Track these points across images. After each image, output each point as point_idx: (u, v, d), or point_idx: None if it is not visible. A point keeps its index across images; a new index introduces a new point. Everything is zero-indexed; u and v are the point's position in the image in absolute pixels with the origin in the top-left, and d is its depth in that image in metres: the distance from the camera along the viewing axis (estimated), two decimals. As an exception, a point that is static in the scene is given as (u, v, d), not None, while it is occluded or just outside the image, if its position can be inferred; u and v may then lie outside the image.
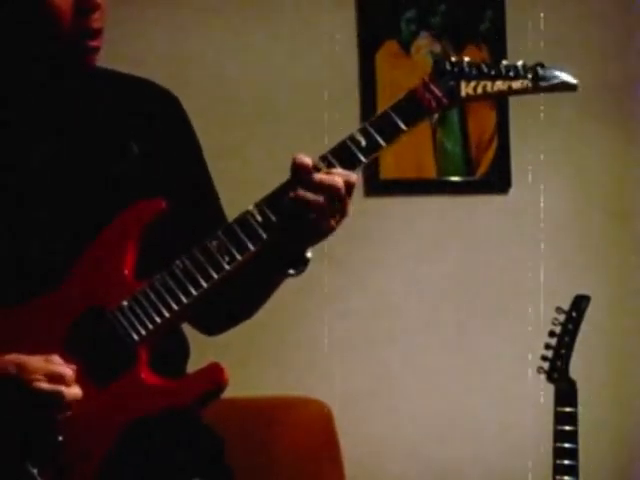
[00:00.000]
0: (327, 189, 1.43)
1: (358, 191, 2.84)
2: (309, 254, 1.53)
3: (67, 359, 1.41)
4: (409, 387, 2.86)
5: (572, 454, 2.29)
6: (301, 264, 1.53)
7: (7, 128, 1.53)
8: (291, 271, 1.53)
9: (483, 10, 2.88)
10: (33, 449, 1.39)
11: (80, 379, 1.40)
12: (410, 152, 2.87)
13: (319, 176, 1.44)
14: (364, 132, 1.48)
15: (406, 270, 2.87)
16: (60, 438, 1.40)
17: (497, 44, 2.88)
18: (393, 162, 2.86)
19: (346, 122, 2.84)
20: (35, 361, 1.38)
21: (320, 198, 1.43)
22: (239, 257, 1.44)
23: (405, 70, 2.86)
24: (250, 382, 2.74)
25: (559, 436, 2.29)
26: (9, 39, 1.52)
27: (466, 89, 1.50)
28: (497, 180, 2.91)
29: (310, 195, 1.44)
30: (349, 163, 1.47)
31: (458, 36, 2.87)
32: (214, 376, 1.42)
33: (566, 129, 2.94)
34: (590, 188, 2.95)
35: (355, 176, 1.47)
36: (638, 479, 2.92)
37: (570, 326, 2.35)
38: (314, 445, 2.55)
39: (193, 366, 1.66)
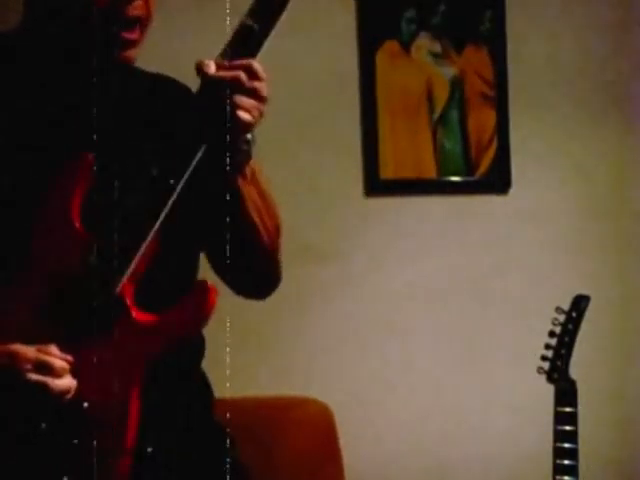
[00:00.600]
0: (229, 82, 1.44)
1: (358, 191, 2.89)
2: (248, 135, 1.52)
3: (56, 328, 1.42)
4: (409, 387, 2.86)
5: (572, 454, 2.29)
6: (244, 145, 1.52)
7: (30, 126, 1.53)
8: (243, 147, 1.52)
9: (483, 10, 2.88)
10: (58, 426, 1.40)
11: (79, 342, 1.42)
12: (410, 152, 2.87)
13: (217, 73, 1.44)
14: (252, 16, 1.47)
15: (406, 270, 2.87)
16: (85, 404, 1.42)
17: (497, 44, 2.89)
18: (393, 162, 2.86)
19: (346, 122, 2.84)
20: (27, 351, 1.39)
21: (226, 92, 1.44)
22: (182, 174, 1.45)
23: (405, 70, 2.87)
24: (250, 382, 2.74)
25: (559, 436, 2.29)
26: (44, 27, 1.53)
27: None
28: (497, 180, 2.91)
29: (216, 92, 1.44)
30: (249, 50, 1.47)
31: (458, 36, 2.88)
32: (203, 298, 1.43)
33: (566, 129, 2.94)
34: (590, 188, 2.95)
35: (255, 62, 1.46)
36: (638, 479, 2.92)
37: (570, 326, 2.35)
38: (314, 445, 2.55)
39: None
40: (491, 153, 2.89)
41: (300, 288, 2.81)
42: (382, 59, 2.85)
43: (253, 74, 1.45)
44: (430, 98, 2.88)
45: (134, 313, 1.44)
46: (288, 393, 2.67)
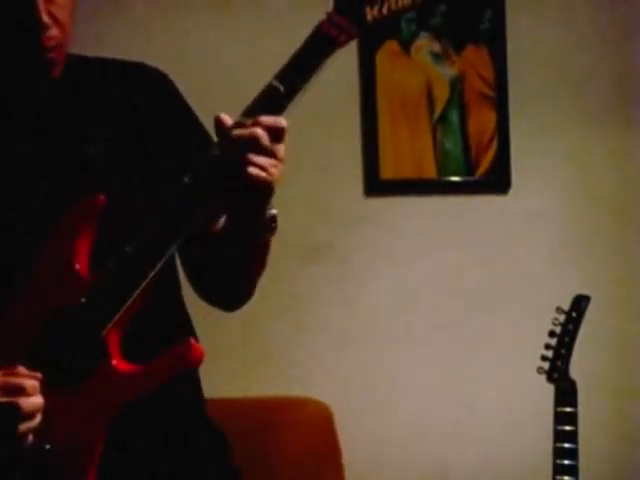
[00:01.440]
0: (247, 141, 1.41)
1: (358, 191, 2.89)
2: (273, 211, 1.52)
3: (35, 367, 1.40)
4: (409, 387, 2.86)
5: (572, 454, 2.29)
6: (268, 223, 1.53)
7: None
8: (264, 234, 1.53)
9: (483, 10, 2.88)
10: (17, 462, 1.38)
11: (53, 383, 1.40)
12: (410, 152, 2.87)
13: (237, 131, 1.42)
14: (281, 78, 1.48)
15: (406, 270, 2.87)
16: (48, 446, 1.40)
17: (497, 44, 2.88)
18: (393, 162, 2.86)
19: (346, 122, 2.84)
20: None
21: (241, 152, 1.42)
22: (186, 230, 1.44)
23: (405, 70, 2.86)
24: (250, 382, 2.74)
25: (559, 436, 2.29)
26: None
27: (371, 12, 1.51)
28: (497, 180, 2.91)
29: (233, 153, 1.42)
30: (273, 111, 1.46)
31: (458, 36, 2.87)
32: (186, 353, 1.41)
33: (566, 129, 2.94)
34: (590, 188, 2.95)
35: (283, 120, 1.45)
36: (638, 479, 2.92)
37: (570, 326, 2.35)
38: (314, 445, 2.55)
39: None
40: (491, 153, 2.89)
41: (300, 288, 2.82)
42: (382, 59, 2.85)
43: (278, 133, 1.43)
44: (430, 98, 2.88)
45: (114, 361, 1.42)
46: (288, 393, 2.67)
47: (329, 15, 1.51)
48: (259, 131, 1.41)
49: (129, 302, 1.42)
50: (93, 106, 1.59)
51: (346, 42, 1.51)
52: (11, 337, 1.44)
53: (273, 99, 1.46)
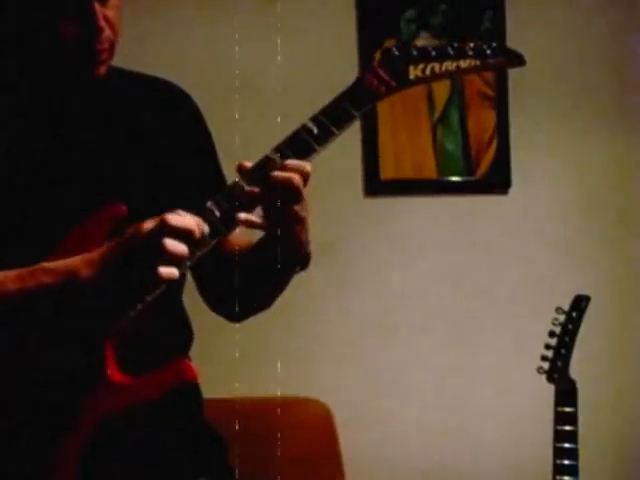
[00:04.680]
0: (283, 185, 1.45)
1: (358, 191, 2.89)
2: (309, 249, 1.58)
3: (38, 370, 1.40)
4: (409, 387, 2.86)
5: (572, 454, 2.29)
6: (302, 259, 1.59)
7: (26, 141, 1.52)
8: (297, 268, 1.61)
9: (483, 10, 2.89)
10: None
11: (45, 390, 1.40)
12: (410, 152, 2.87)
13: (275, 174, 1.45)
14: (316, 121, 1.50)
15: (406, 270, 2.87)
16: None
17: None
18: (393, 162, 2.86)
19: (346, 122, 2.84)
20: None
21: (277, 195, 1.45)
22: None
23: (405, 70, 2.86)
24: (250, 382, 2.74)
25: (559, 436, 2.29)
26: (22, 61, 1.53)
27: (414, 72, 1.54)
28: (497, 180, 2.91)
29: (269, 194, 1.45)
30: (303, 152, 1.49)
31: (458, 36, 2.87)
32: (180, 371, 1.41)
33: (566, 129, 2.94)
34: (590, 188, 2.95)
35: (309, 166, 1.48)
36: (638, 478, 2.92)
37: (570, 326, 2.35)
38: (314, 445, 2.55)
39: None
40: (491, 153, 2.89)
41: (300, 288, 2.81)
42: (382, 59, 2.85)
43: (306, 178, 1.48)
44: (430, 98, 2.88)
45: (109, 370, 1.40)
46: (288, 393, 2.67)
47: (373, 68, 1.54)
48: (296, 176, 1.46)
49: (132, 312, 1.39)
50: (125, 116, 1.59)
51: (385, 95, 1.54)
52: None
53: (305, 140, 1.49)
